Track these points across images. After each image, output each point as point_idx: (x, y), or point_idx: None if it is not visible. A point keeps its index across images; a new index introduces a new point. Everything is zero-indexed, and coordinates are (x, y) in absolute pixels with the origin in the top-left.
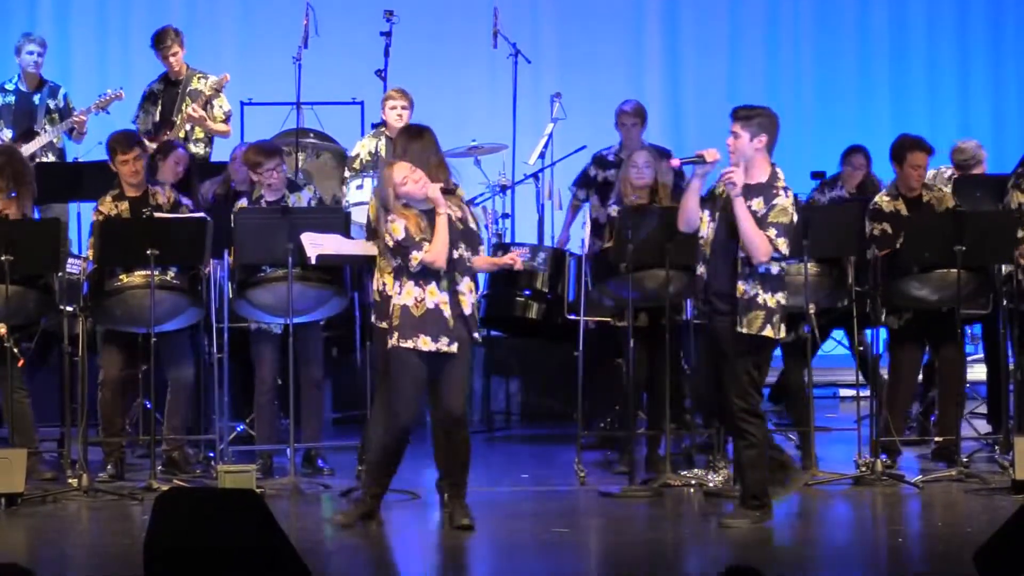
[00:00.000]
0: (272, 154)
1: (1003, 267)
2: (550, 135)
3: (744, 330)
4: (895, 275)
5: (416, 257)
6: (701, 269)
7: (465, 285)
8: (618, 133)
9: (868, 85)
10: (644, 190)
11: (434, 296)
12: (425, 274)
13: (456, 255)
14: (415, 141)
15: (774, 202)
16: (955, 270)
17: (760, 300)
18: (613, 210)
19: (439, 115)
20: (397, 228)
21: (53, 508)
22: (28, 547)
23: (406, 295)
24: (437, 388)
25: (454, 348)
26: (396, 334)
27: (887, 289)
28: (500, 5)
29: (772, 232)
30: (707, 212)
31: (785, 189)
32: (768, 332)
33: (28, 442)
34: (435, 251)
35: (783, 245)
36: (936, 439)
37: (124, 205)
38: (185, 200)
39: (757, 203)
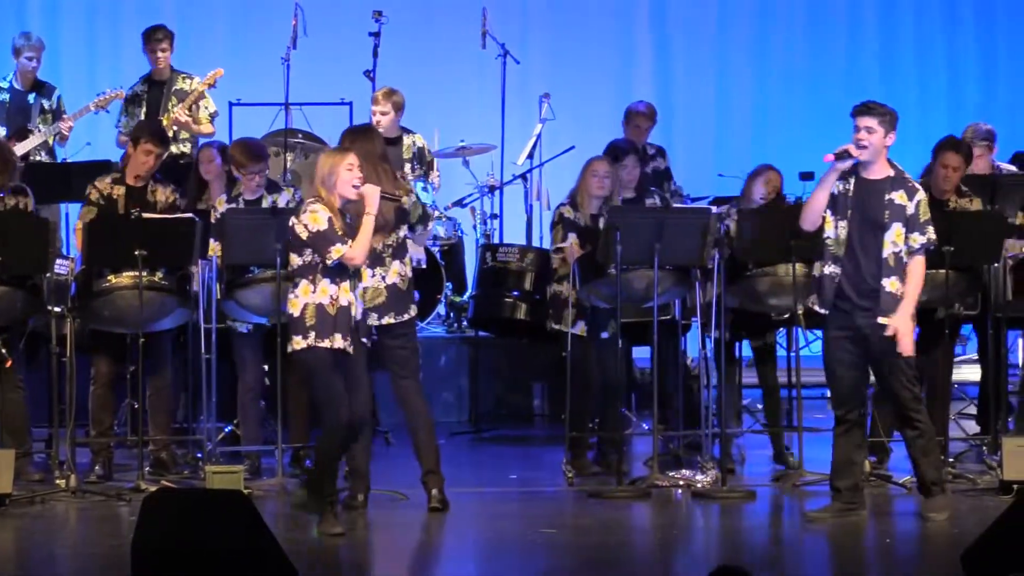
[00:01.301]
0: (258, 159)
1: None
2: (539, 136)
3: (885, 320)
4: None
5: (338, 250)
6: (830, 269)
7: (360, 290)
8: (624, 131)
9: (858, 85)
10: (599, 200)
11: (346, 295)
12: (340, 272)
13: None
14: (360, 140)
15: (918, 197)
16: (943, 270)
17: (895, 296)
18: (567, 209)
19: (428, 115)
20: (319, 218)
21: (41, 509)
22: (16, 548)
23: (321, 293)
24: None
25: (351, 350)
26: (313, 334)
27: None
28: (489, 5)
29: (929, 231)
30: (829, 212)
31: (914, 182)
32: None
33: (21, 441)
34: (358, 248)
35: (934, 239)
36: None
37: (121, 190)
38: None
39: (899, 195)
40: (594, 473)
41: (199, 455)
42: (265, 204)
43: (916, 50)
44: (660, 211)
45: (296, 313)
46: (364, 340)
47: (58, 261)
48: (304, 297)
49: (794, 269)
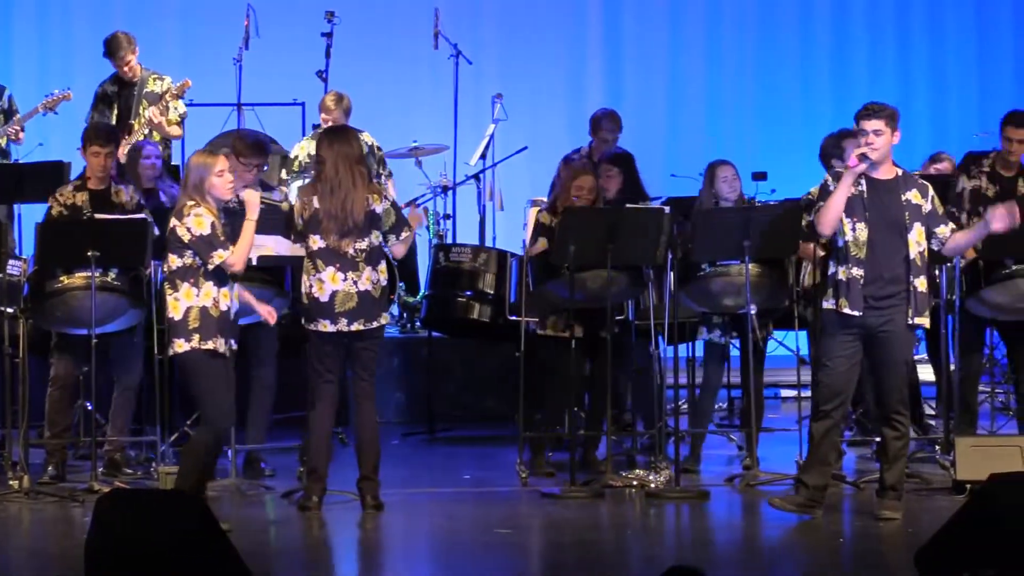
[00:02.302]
0: (260, 154)
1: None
2: (491, 136)
3: (919, 320)
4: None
5: (220, 256)
6: (855, 271)
7: (233, 291)
8: (591, 138)
9: (809, 82)
10: None
11: (227, 298)
12: (221, 276)
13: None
14: (337, 142)
15: (930, 193)
16: None
17: (928, 296)
18: (544, 215)
19: (380, 116)
20: (203, 223)
21: None
22: None
23: (204, 296)
24: None
25: (229, 352)
26: (197, 336)
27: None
28: (441, 6)
29: (948, 220)
30: (844, 215)
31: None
32: (927, 323)
33: None
34: (239, 254)
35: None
36: (876, 439)
37: (84, 196)
38: (163, 198)
39: (914, 195)
40: (548, 473)
41: (152, 456)
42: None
43: (868, 46)
44: (613, 211)
45: (178, 316)
46: (231, 343)
47: (10, 262)
48: (187, 300)
49: (747, 269)
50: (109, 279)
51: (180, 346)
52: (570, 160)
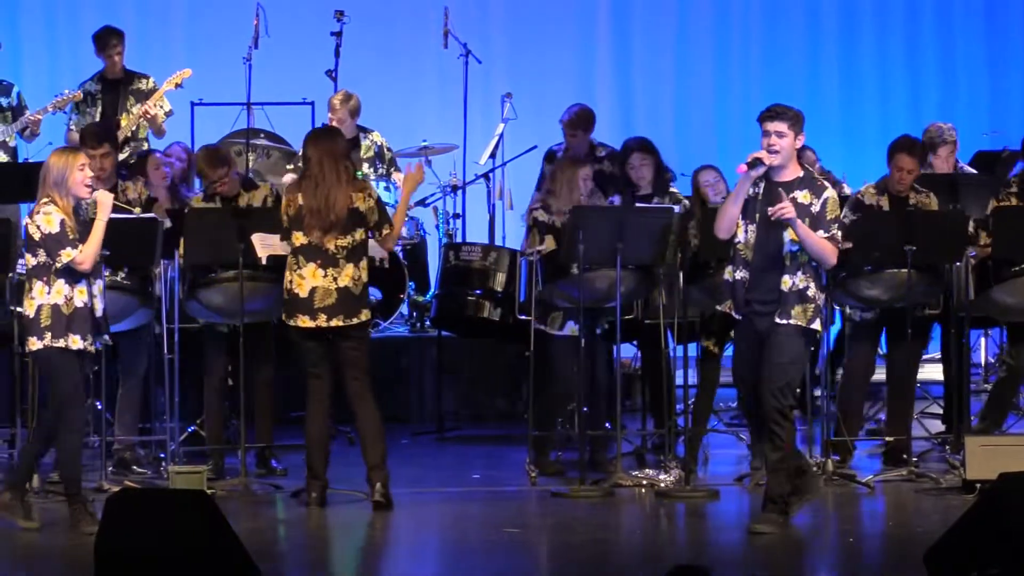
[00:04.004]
0: (220, 164)
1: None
2: (501, 135)
3: (795, 322)
4: (849, 273)
5: (68, 254)
6: (740, 274)
7: (97, 288)
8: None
9: (817, 82)
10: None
11: (83, 295)
12: (74, 272)
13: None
14: (322, 139)
15: (825, 195)
16: (905, 270)
17: (811, 294)
18: (540, 212)
19: (390, 115)
20: (51, 220)
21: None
22: None
23: (56, 294)
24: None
25: (93, 349)
26: (49, 334)
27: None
28: (451, 5)
29: (834, 229)
30: (740, 217)
31: (825, 181)
32: (817, 325)
33: None
34: (87, 253)
35: (841, 239)
36: (887, 439)
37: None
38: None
39: (804, 195)
40: (557, 472)
41: (162, 455)
42: (243, 202)
43: (876, 49)
44: (622, 211)
45: (31, 314)
46: (105, 337)
47: (19, 261)
48: (39, 298)
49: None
50: (119, 278)
51: (33, 344)
52: (555, 153)
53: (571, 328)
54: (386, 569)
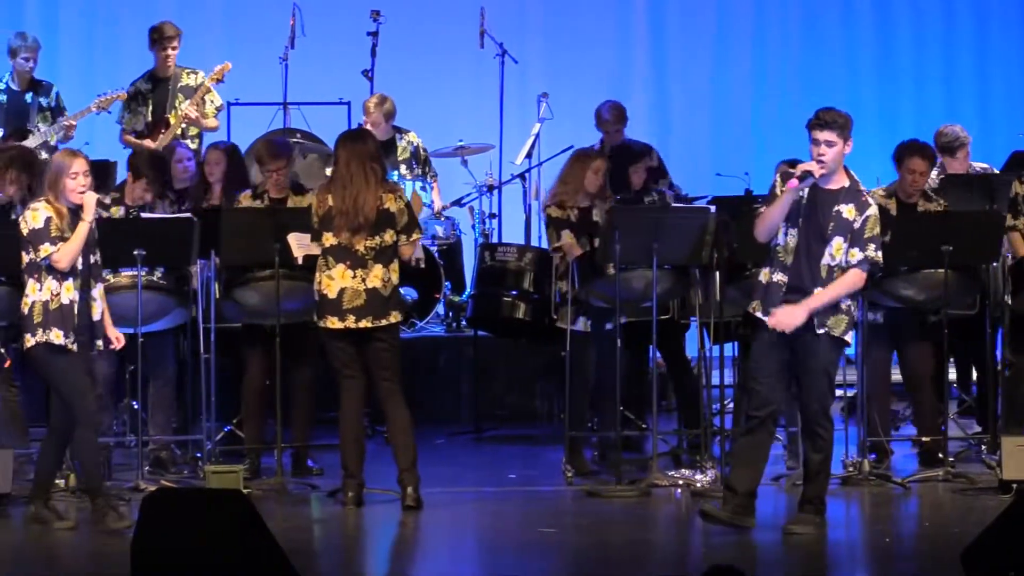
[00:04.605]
0: (278, 157)
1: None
2: (537, 135)
3: (835, 332)
4: (885, 273)
5: (46, 250)
6: (778, 276)
7: (98, 292)
8: (599, 132)
9: (854, 82)
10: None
11: (69, 292)
12: (62, 271)
13: (93, 260)
14: (352, 142)
15: (868, 213)
16: (941, 270)
17: (844, 306)
18: (553, 209)
19: (426, 115)
20: (37, 217)
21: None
22: (14, 547)
23: (45, 291)
24: None
25: (75, 348)
26: (40, 331)
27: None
28: (487, 5)
29: (871, 248)
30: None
31: (869, 194)
32: (849, 337)
33: (19, 442)
34: (64, 251)
35: (880, 257)
36: (923, 439)
37: (118, 211)
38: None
39: (848, 209)
40: (593, 472)
41: (199, 455)
42: (290, 204)
43: (913, 49)
44: (659, 210)
45: (26, 311)
46: (97, 343)
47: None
48: (32, 295)
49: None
50: (155, 278)
51: (28, 341)
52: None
53: (583, 323)
54: (421, 569)
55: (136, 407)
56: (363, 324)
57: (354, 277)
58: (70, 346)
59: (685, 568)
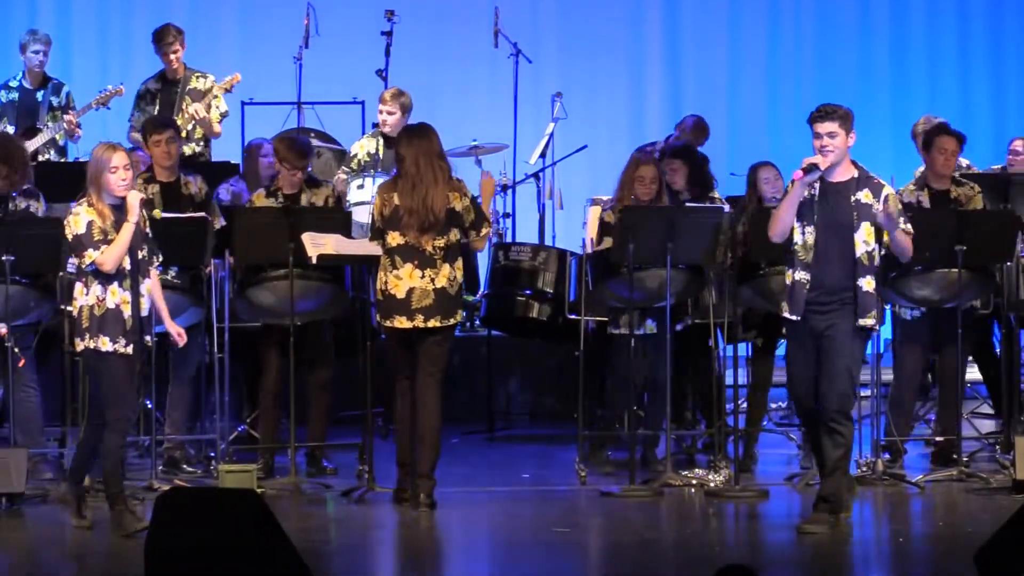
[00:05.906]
0: (302, 156)
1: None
2: (551, 135)
3: (870, 323)
4: (899, 273)
5: (90, 256)
6: (800, 275)
7: (145, 287)
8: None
9: (869, 82)
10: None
11: (115, 296)
12: (107, 275)
13: (140, 256)
14: (416, 138)
15: (885, 193)
16: (955, 270)
17: (876, 297)
18: (608, 214)
19: (440, 114)
20: (79, 222)
21: (54, 508)
22: (28, 547)
23: (92, 295)
24: None
25: (130, 350)
26: (88, 335)
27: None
28: (501, 5)
29: (901, 220)
30: (796, 220)
31: (880, 179)
32: (877, 327)
33: (34, 442)
34: (108, 255)
35: (911, 229)
36: (937, 439)
37: (155, 188)
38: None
39: (865, 194)
40: (607, 473)
41: (212, 454)
42: (304, 200)
43: (927, 47)
44: (672, 210)
45: (75, 314)
46: (147, 338)
47: (70, 260)
48: (80, 299)
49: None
50: (169, 277)
51: (78, 345)
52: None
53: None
54: (435, 568)
55: (150, 406)
56: (432, 323)
57: (423, 277)
58: (121, 350)
59: (698, 568)
